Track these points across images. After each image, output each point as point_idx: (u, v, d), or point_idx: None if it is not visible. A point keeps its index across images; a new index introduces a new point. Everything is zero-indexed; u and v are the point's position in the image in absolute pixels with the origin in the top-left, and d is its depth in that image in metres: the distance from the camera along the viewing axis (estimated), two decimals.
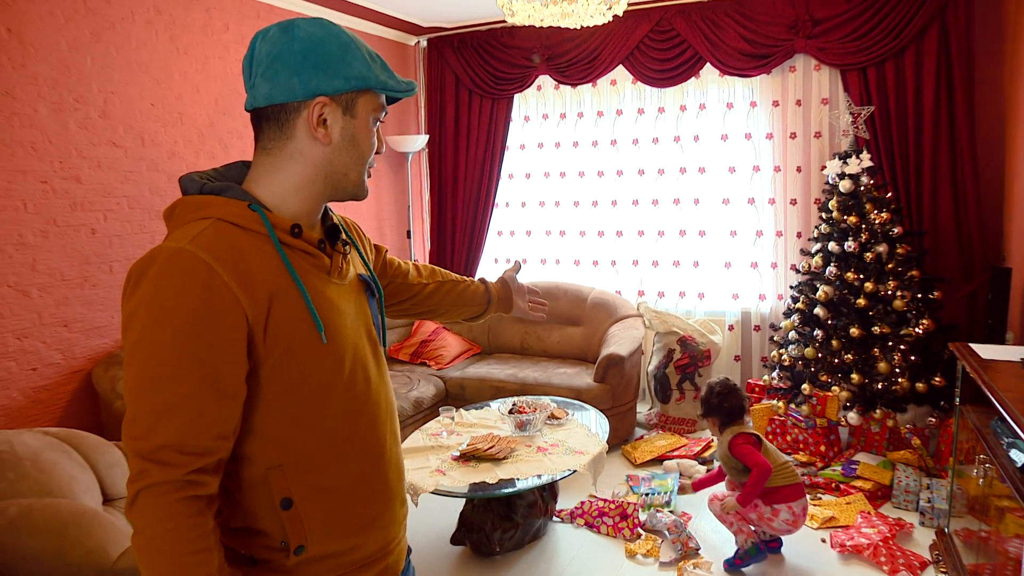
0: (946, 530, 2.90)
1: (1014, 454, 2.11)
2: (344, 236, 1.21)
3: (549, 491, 3.24)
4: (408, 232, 5.67)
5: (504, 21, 5.01)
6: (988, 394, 2.27)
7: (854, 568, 2.94)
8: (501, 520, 3.03)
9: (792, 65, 4.57)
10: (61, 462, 2.17)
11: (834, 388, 3.79)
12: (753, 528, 2.95)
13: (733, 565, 2.95)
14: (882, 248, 3.79)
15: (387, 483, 1.20)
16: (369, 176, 1.17)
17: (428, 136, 5.55)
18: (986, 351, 2.66)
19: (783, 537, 3.06)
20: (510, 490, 2.77)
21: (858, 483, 3.54)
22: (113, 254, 3.47)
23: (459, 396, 4.33)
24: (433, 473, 2.89)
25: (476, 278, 1.71)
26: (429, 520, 3.40)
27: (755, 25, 4.48)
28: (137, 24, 3.56)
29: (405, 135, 5.51)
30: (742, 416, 3.06)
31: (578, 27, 3.76)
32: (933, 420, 3.68)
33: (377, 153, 1.17)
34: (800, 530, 2.97)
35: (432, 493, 2.78)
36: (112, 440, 2.62)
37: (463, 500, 3.13)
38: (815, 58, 4.43)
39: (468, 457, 2.99)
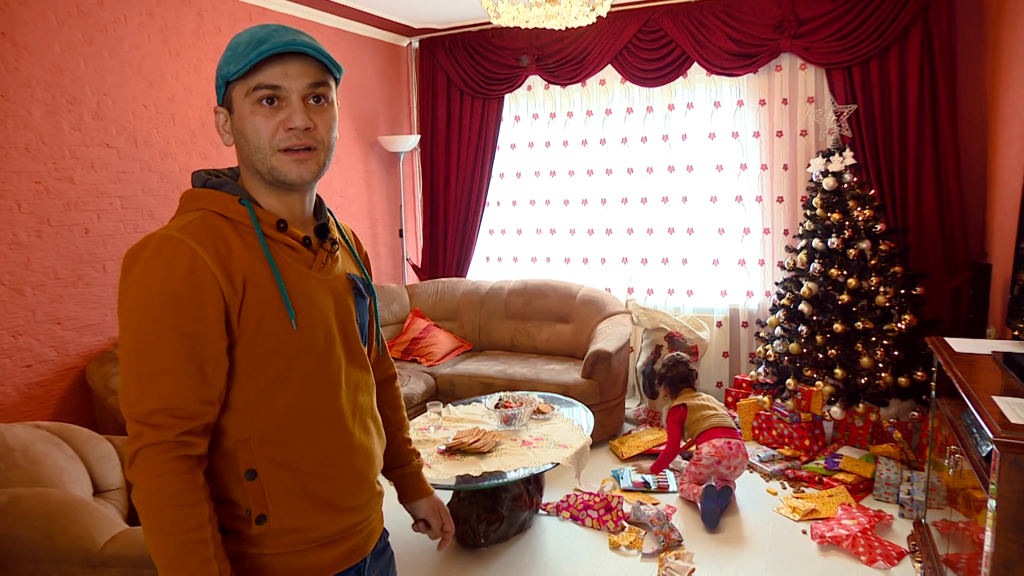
0: (923, 521, 2.95)
1: (981, 445, 2.16)
2: (337, 236, 1.31)
3: (535, 484, 3.30)
4: (400, 231, 5.72)
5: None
6: (957, 387, 2.32)
7: (833, 558, 3.00)
8: (486, 512, 3.08)
9: (778, 64, 4.63)
10: (52, 454, 2.22)
11: (818, 383, 3.85)
12: (696, 489, 3.44)
13: (708, 523, 3.28)
14: (865, 245, 3.84)
15: (353, 469, 1.26)
16: (285, 158, 1.15)
17: (420, 136, 5.60)
18: (960, 345, 2.71)
19: (736, 484, 3.52)
20: (494, 482, 2.82)
21: (840, 476, 3.59)
22: (106, 253, 3.53)
23: (449, 392, 4.38)
24: None
25: (419, 458, 1.63)
26: None
27: (741, 25, 4.53)
28: (130, 27, 3.61)
29: (397, 135, 5.57)
30: (690, 383, 3.78)
31: (563, 28, 3.81)
32: (915, 414, 3.73)
33: (290, 130, 1.14)
34: (737, 469, 3.46)
35: None
36: (104, 434, 2.67)
37: (449, 493, 3.19)
38: (801, 57, 4.48)
39: (454, 451, 3.04)
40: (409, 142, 5.34)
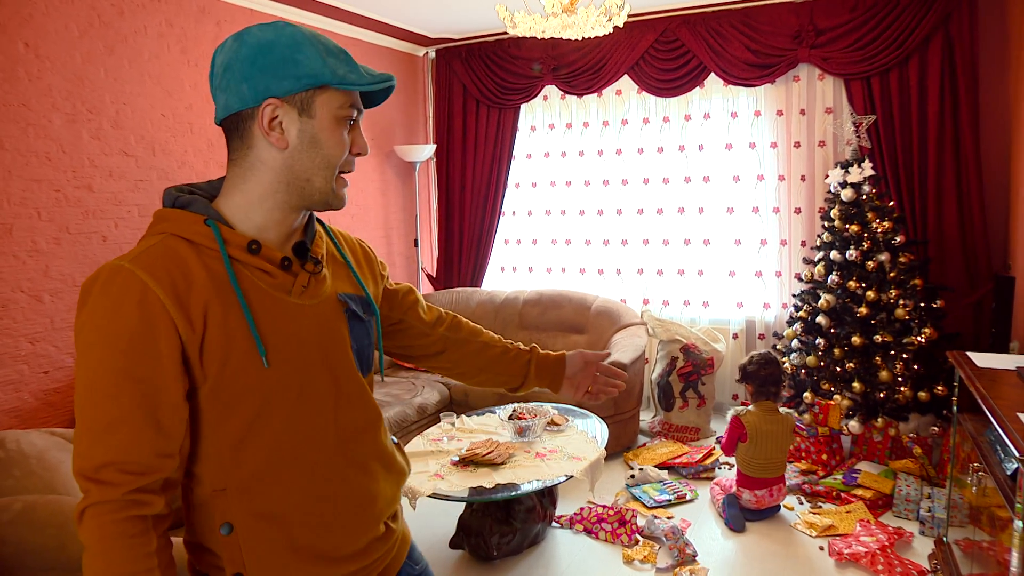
0: (945, 539, 2.89)
1: (1006, 463, 2.11)
2: (323, 252, 1.17)
3: (548, 497, 3.27)
4: (415, 240, 5.73)
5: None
6: (980, 403, 2.28)
7: None
8: (499, 525, 3.06)
9: (796, 75, 4.60)
10: (66, 461, 2.23)
11: (836, 396, 3.80)
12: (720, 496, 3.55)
13: (735, 526, 3.35)
14: (884, 257, 3.80)
15: (347, 517, 1.13)
16: (344, 182, 1.12)
17: (436, 145, 5.61)
18: (982, 359, 2.66)
19: (766, 515, 3.46)
20: (507, 494, 2.80)
21: (859, 492, 3.53)
22: None
23: (463, 402, 4.36)
24: (432, 477, 2.93)
25: (532, 347, 1.50)
26: (428, 524, 3.44)
27: (759, 35, 4.51)
28: (149, 37, 3.65)
29: (413, 144, 5.58)
30: (776, 389, 3.52)
31: (580, 38, 3.81)
32: (936, 429, 3.67)
33: (357, 155, 1.12)
34: (775, 507, 3.47)
35: (430, 497, 2.82)
36: None
37: (462, 504, 3.17)
38: (819, 68, 4.45)
39: (467, 462, 3.03)
40: (425, 151, 5.35)
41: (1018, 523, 1.79)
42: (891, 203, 4.00)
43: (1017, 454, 1.79)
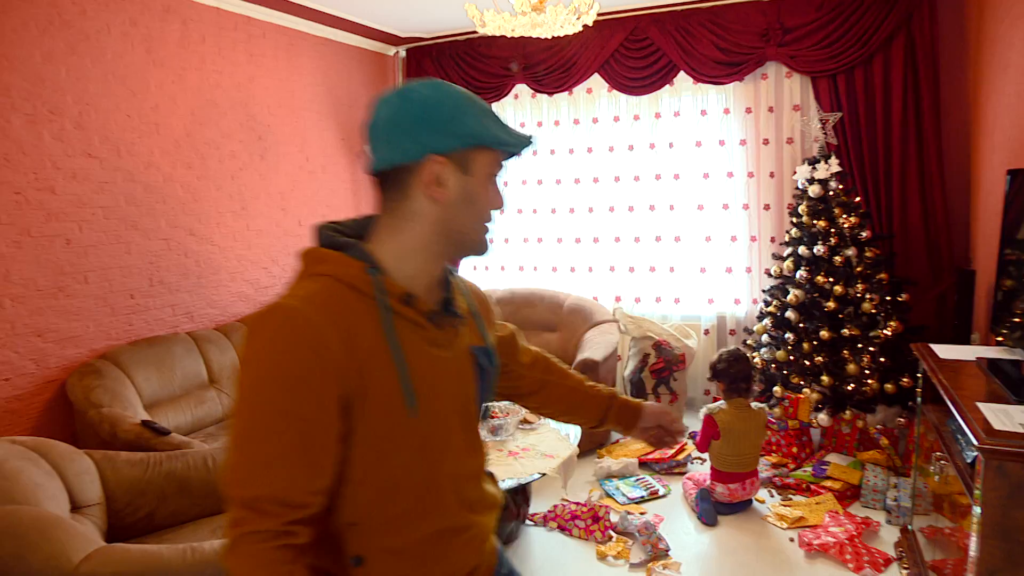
0: (910, 527, 2.95)
1: (966, 451, 2.16)
2: (460, 309, 1.20)
3: (522, 495, 3.27)
4: None
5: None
6: (942, 393, 2.32)
7: (820, 566, 2.99)
8: None
9: (764, 73, 4.65)
10: (27, 470, 2.18)
11: (805, 390, 3.85)
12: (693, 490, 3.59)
13: (707, 520, 3.38)
14: (851, 252, 3.85)
15: (461, 549, 1.19)
16: (488, 230, 1.16)
17: None
18: (945, 351, 2.71)
19: (738, 508, 3.50)
20: None
21: (828, 483, 3.58)
22: (88, 264, 3.49)
23: None
24: None
25: (612, 393, 1.57)
26: None
27: (727, 34, 4.55)
28: (113, 36, 3.59)
29: None
30: (747, 386, 3.54)
31: (550, 37, 3.81)
32: (902, 420, 3.74)
33: (498, 209, 1.15)
34: (747, 500, 3.50)
35: None
36: (84, 448, 2.63)
37: None
38: (786, 66, 4.50)
39: None
40: None
41: (976, 509, 1.82)
42: (857, 199, 4.06)
43: (976, 442, 1.83)
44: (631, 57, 4.84)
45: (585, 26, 3.93)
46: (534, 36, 3.77)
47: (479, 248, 1.16)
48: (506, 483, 2.84)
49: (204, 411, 3.66)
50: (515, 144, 1.13)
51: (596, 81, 5.08)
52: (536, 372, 1.49)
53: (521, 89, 5.35)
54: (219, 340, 3.93)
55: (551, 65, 5.06)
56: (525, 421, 3.37)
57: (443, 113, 1.07)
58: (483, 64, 5.28)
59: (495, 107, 5.42)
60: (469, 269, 5.72)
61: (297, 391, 0.99)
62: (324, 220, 1.15)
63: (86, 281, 3.49)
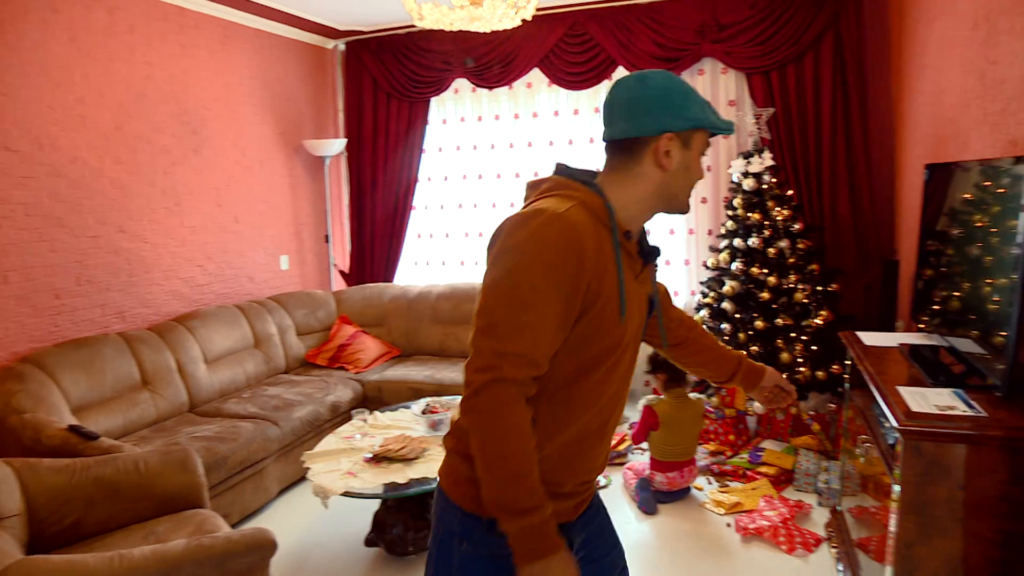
0: (839, 508, 3.05)
1: (888, 432, 2.24)
2: (655, 260, 1.48)
3: None
4: (326, 237, 5.62)
5: None
6: (867, 379, 2.41)
7: (756, 550, 3.07)
8: (415, 520, 3.04)
9: (700, 68, 4.73)
10: None
11: None
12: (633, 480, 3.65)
13: (647, 509, 3.44)
14: (784, 243, 3.96)
15: (594, 455, 1.43)
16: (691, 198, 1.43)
17: (346, 139, 5.52)
18: (871, 338, 2.81)
19: (677, 496, 3.57)
20: (421, 489, 2.78)
21: (763, 469, 3.68)
22: (8, 263, 3.34)
23: (377, 399, 4.31)
24: (344, 475, 2.88)
25: (741, 355, 1.80)
26: (342, 523, 3.39)
27: (664, 29, 4.62)
28: (32, 23, 3.44)
29: (323, 139, 5.47)
30: (683, 378, 3.60)
31: (488, 31, 3.81)
32: (832, 406, 3.86)
33: (700, 179, 1.41)
34: (685, 488, 3.58)
35: (343, 495, 2.77)
36: (5, 457, 2.52)
37: (376, 502, 3.13)
38: (722, 62, 4.60)
39: (380, 458, 2.99)
40: (335, 146, 5.25)
41: (896, 488, 1.89)
42: (790, 192, 4.17)
43: (896, 424, 1.90)
44: (571, 52, 4.87)
45: (524, 20, 3.93)
46: (473, 30, 3.75)
47: (684, 207, 1.43)
48: None
49: (137, 414, 3.55)
50: (724, 129, 1.37)
51: (536, 76, 5.09)
52: (681, 329, 1.73)
53: (461, 84, 5.33)
54: (153, 340, 3.81)
55: (491, 59, 5.05)
56: None
57: (676, 99, 1.32)
58: (423, 58, 5.24)
59: (434, 102, 5.39)
60: (410, 265, 5.69)
61: (559, 276, 1.22)
62: (560, 160, 1.43)
63: (6, 281, 3.34)
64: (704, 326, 4.17)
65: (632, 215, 1.37)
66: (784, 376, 1.81)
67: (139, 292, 4.05)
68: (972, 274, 2.27)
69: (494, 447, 1.23)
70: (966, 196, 2.38)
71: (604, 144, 1.40)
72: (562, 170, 1.40)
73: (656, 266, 1.51)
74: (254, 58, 4.91)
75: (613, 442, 4.04)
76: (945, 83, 3.20)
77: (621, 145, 1.36)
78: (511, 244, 1.25)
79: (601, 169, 1.40)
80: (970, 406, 1.92)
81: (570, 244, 1.22)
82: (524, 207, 1.34)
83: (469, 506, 1.35)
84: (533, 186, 1.41)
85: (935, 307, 2.63)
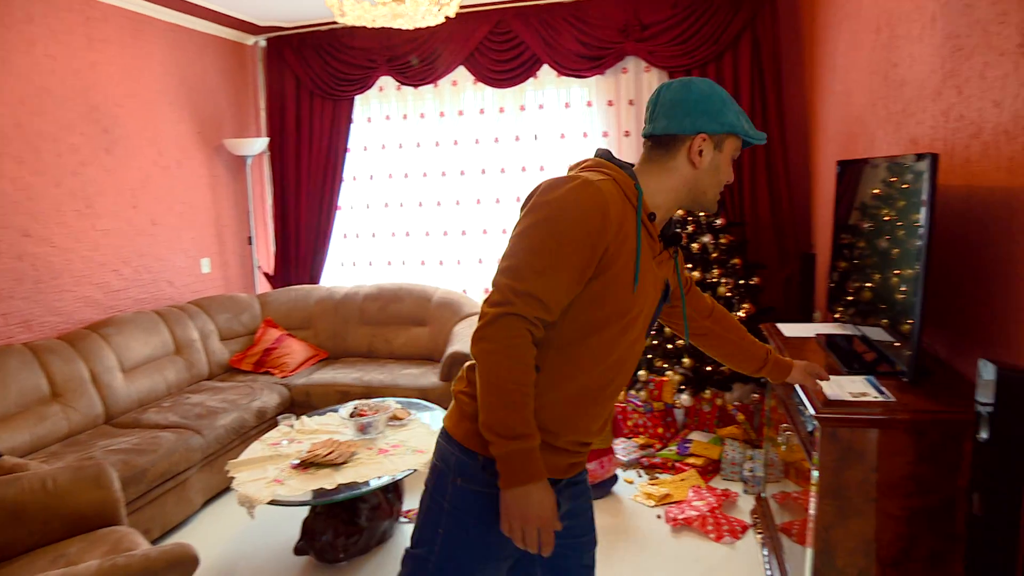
0: (763, 495, 3.14)
1: (806, 420, 2.31)
2: (678, 247, 1.62)
3: (394, 492, 3.23)
4: (250, 238, 5.46)
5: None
6: None
7: (685, 539, 3.13)
8: (345, 526, 2.98)
9: (624, 67, 4.80)
10: None
11: (668, 373, 4.01)
12: None
13: None
14: (707, 239, 4.05)
15: (592, 416, 1.54)
16: (719, 199, 1.58)
17: (268, 138, 5.38)
18: (790, 330, 2.90)
19: (602, 489, 3.57)
20: (350, 494, 2.73)
21: (691, 460, 3.76)
22: None
23: (305, 403, 4.22)
24: (270, 483, 2.80)
25: (768, 350, 1.94)
26: (270, 532, 3.30)
27: (589, 28, 4.67)
28: None
29: (244, 138, 5.31)
30: None
31: (411, 28, 3.77)
32: (756, 396, 3.97)
33: (729, 182, 1.55)
34: (612, 478, 3.60)
35: (270, 504, 2.70)
36: None
37: (305, 509, 3.06)
38: (645, 60, 4.67)
39: (307, 464, 2.92)
40: (257, 145, 5.11)
41: (815, 473, 1.96)
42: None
43: (813, 412, 1.96)
44: (495, 50, 4.87)
45: (448, 18, 3.91)
46: (396, 27, 3.70)
47: (710, 206, 1.57)
48: (377, 481, 2.79)
49: (46, 428, 3.36)
50: (755, 138, 1.51)
51: (461, 73, 5.07)
52: (706, 320, 1.85)
53: (386, 81, 5.26)
54: (63, 350, 3.61)
55: (416, 57, 5.00)
56: (395, 418, 3.32)
57: (715, 105, 1.46)
58: (346, 55, 5.15)
59: (359, 100, 5.30)
60: (336, 266, 5.59)
61: (584, 236, 1.35)
62: (602, 147, 1.57)
63: None
64: None
65: (659, 202, 1.50)
66: (816, 367, 2.00)
67: (47, 299, 3.85)
68: (881, 265, 2.37)
69: (498, 373, 1.34)
70: (874, 191, 2.48)
71: (644, 139, 1.54)
72: (603, 154, 1.53)
73: (677, 256, 1.64)
74: (169, 53, 4.73)
75: None
76: (853, 83, 3.34)
77: (660, 140, 1.49)
78: (543, 201, 1.39)
79: (638, 161, 1.55)
80: (880, 392, 2.00)
81: (596, 208, 1.35)
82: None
83: (469, 443, 1.47)
84: (574, 166, 1.55)
85: (849, 298, 2.74)
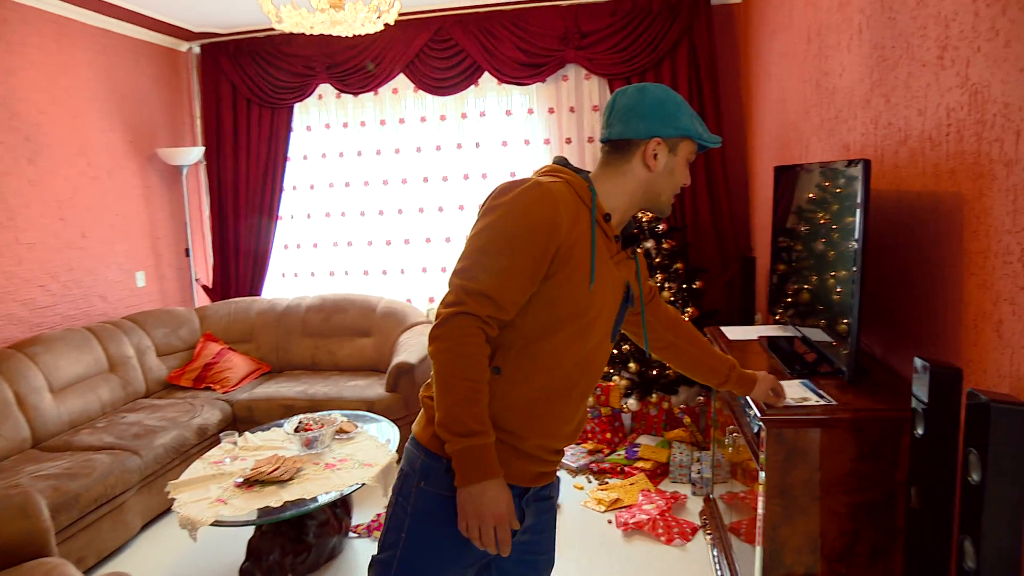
0: (711, 496, 3.19)
1: (752, 422, 2.36)
2: (635, 250, 1.65)
3: (342, 507, 3.17)
4: (187, 250, 5.30)
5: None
6: None
7: (636, 543, 3.15)
8: (292, 544, 2.91)
9: (565, 74, 4.83)
10: None
11: (615, 378, 4.05)
12: None
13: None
14: (650, 244, 4.11)
15: (567, 413, 1.55)
16: (673, 201, 1.60)
17: (205, 147, 5.23)
18: (733, 332, 2.96)
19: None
20: (297, 511, 2.66)
21: (640, 464, 3.80)
22: None
23: (248, 419, 4.10)
24: (213, 504, 2.71)
25: (732, 364, 1.93)
26: (214, 554, 3.20)
27: (529, 36, 4.69)
28: None
29: (179, 147, 5.16)
30: None
31: (351, 35, 3.72)
32: (701, 399, 4.04)
33: (686, 185, 1.59)
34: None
35: (213, 525, 2.61)
36: None
37: (250, 529, 2.97)
38: (585, 68, 4.71)
39: (252, 482, 2.84)
40: (192, 154, 4.96)
41: (762, 474, 2.00)
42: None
43: (759, 414, 2.00)
44: (436, 57, 4.85)
45: (387, 25, 3.88)
46: (335, 34, 3.65)
47: (665, 208, 1.60)
48: (324, 497, 2.73)
49: None
50: (710, 142, 1.55)
51: (402, 81, 5.03)
52: (668, 333, 1.85)
53: (325, 89, 5.18)
54: None
55: (356, 65, 4.94)
56: (341, 431, 3.26)
57: (669, 109, 1.49)
58: (283, 63, 5.05)
59: (297, 107, 5.21)
60: (277, 277, 5.47)
61: (535, 235, 1.39)
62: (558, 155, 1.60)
63: None
64: None
65: (615, 205, 1.53)
66: (777, 381, 2.00)
67: None
68: (818, 268, 2.44)
69: (450, 370, 1.37)
70: (810, 196, 2.55)
71: (602, 143, 1.57)
72: (560, 161, 1.56)
73: (637, 259, 1.67)
74: (97, 59, 4.56)
75: None
76: (787, 91, 3.43)
77: (616, 145, 1.52)
78: (496, 204, 1.42)
79: (596, 165, 1.58)
80: (820, 396, 2.06)
81: (547, 208, 1.39)
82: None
83: (433, 446, 1.47)
84: (538, 173, 1.56)
85: (788, 300, 2.81)
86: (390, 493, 1.61)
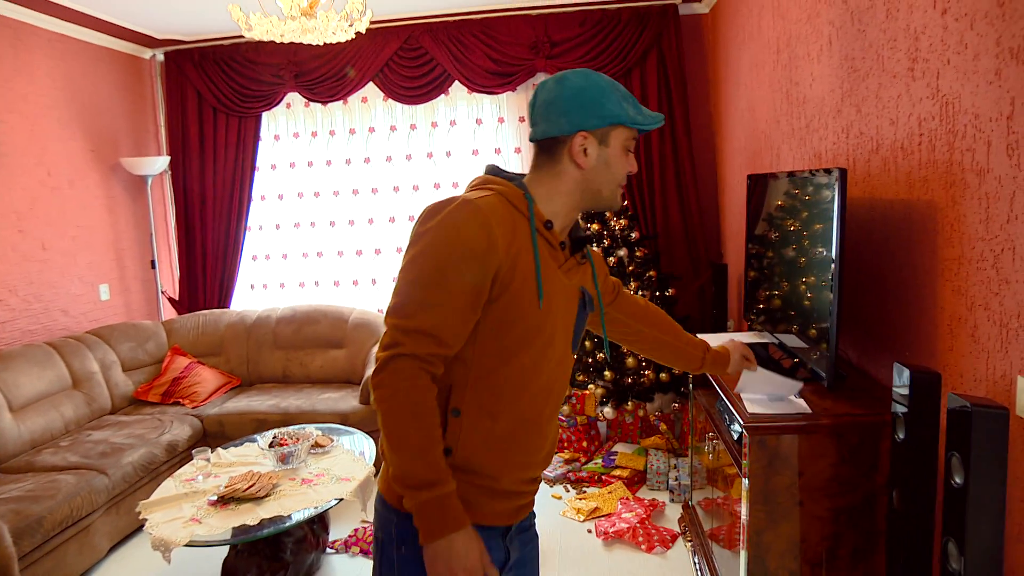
0: (690, 502, 3.21)
1: (733, 428, 2.38)
2: (586, 251, 1.53)
3: (320, 523, 3.12)
4: (153, 262, 5.19)
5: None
6: (710, 379, 2.55)
7: (617, 552, 3.15)
8: (269, 562, 2.85)
9: (535, 83, 4.84)
10: None
11: (591, 386, 4.06)
12: None
13: None
14: (623, 252, 4.13)
15: (536, 439, 1.44)
16: (621, 191, 1.46)
17: (170, 157, 5.14)
18: (707, 339, 2.97)
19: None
20: (274, 529, 2.61)
21: (617, 472, 3.81)
22: None
23: (219, 434, 4.02)
24: (187, 523, 2.64)
25: (705, 345, 1.90)
26: (188, 575, 3.12)
27: (499, 45, 4.69)
28: None
29: (143, 156, 5.05)
30: None
31: (321, 43, 3.68)
32: (676, 405, 4.07)
33: (630, 174, 1.45)
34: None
35: (187, 546, 2.54)
36: None
37: (225, 548, 2.91)
38: None
39: (226, 500, 2.78)
40: (157, 164, 4.87)
41: (745, 481, 2.01)
42: (625, 202, 4.37)
43: (741, 420, 2.02)
44: (406, 66, 4.83)
45: (358, 33, 3.85)
46: (305, 43, 3.62)
47: (611, 204, 1.46)
48: (301, 514, 2.68)
49: None
50: (646, 123, 1.41)
51: (371, 90, 5.00)
52: (637, 323, 1.78)
53: (294, 98, 5.13)
54: None
55: (324, 73, 4.90)
56: (317, 445, 3.21)
57: (590, 98, 1.36)
58: (251, 71, 4.99)
59: (266, 116, 5.15)
60: (246, 289, 5.38)
61: (468, 259, 1.26)
62: (490, 164, 1.48)
63: None
64: None
65: (555, 209, 1.41)
66: (742, 347, 1.98)
67: None
68: (789, 274, 2.48)
69: (395, 420, 1.26)
70: (780, 203, 2.59)
71: (532, 145, 1.46)
72: (491, 169, 1.46)
73: (592, 259, 1.56)
74: (57, 65, 4.45)
75: None
76: (757, 100, 3.48)
77: (542, 145, 1.42)
78: (422, 231, 1.30)
79: (529, 169, 1.47)
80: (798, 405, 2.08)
81: (478, 228, 1.27)
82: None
83: (402, 504, 1.33)
84: (469, 187, 1.46)
85: (760, 306, 2.84)
86: (370, 512, 1.51)
